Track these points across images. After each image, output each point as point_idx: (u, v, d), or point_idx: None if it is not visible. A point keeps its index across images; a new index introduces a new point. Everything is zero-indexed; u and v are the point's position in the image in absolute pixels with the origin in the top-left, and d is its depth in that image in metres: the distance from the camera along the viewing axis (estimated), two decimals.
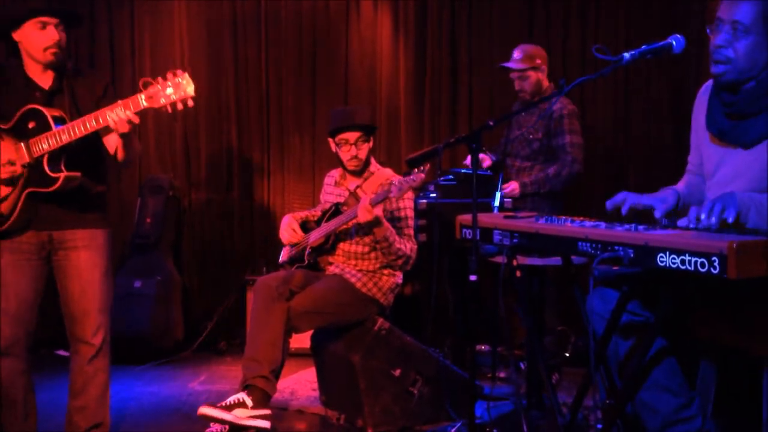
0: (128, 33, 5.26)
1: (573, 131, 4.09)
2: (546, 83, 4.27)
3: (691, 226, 2.00)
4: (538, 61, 4.23)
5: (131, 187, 5.25)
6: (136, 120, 2.67)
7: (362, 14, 5.23)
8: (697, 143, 2.46)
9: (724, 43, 2.17)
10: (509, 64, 4.30)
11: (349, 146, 3.56)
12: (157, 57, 5.26)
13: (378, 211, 3.28)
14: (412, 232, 3.55)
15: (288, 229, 3.68)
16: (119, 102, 2.67)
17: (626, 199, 2.26)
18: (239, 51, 5.27)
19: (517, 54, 4.29)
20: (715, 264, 1.71)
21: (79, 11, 2.85)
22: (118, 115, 2.65)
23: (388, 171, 3.69)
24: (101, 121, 2.67)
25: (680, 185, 2.49)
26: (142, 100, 2.65)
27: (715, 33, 2.20)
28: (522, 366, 4.09)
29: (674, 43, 2.23)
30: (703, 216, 1.98)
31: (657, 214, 2.21)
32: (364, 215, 3.26)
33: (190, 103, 2.66)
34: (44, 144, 2.72)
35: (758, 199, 2.04)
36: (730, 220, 1.95)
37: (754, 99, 2.18)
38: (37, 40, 2.76)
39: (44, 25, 2.74)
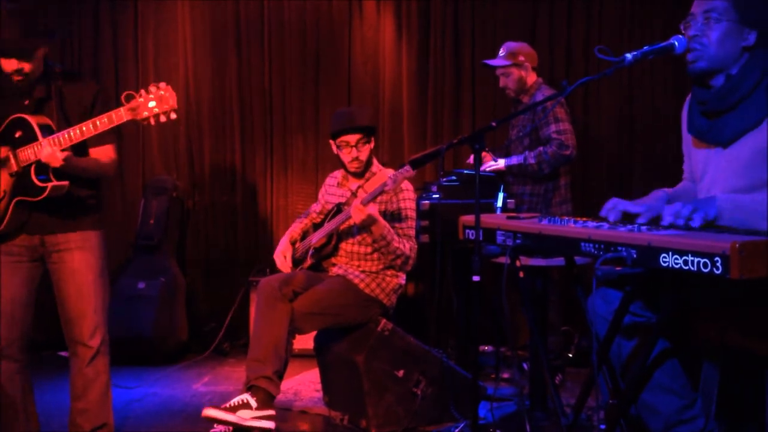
0: (132, 35, 5.27)
1: (558, 119, 4.08)
2: (531, 80, 4.26)
3: (671, 222, 2.03)
4: (521, 58, 4.23)
5: (135, 188, 5.26)
6: (62, 156, 2.66)
7: (365, 15, 5.23)
8: (686, 150, 2.48)
9: (698, 33, 2.21)
10: (491, 62, 4.31)
11: (350, 148, 3.57)
12: (160, 59, 5.27)
13: (371, 209, 3.29)
14: (412, 232, 3.55)
15: (280, 257, 3.70)
16: (103, 115, 2.67)
17: (616, 206, 2.28)
18: (242, 52, 5.28)
19: (500, 51, 4.30)
20: (718, 264, 1.71)
21: (37, 35, 2.79)
22: (48, 148, 2.65)
23: (390, 171, 3.68)
24: (85, 131, 2.68)
25: (674, 189, 2.50)
26: (124, 113, 2.66)
27: (688, 27, 2.25)
28: (525, 366, 4.09)
29: (677, 43, 2.24)
30: (678, 214, 2.01)
31: (640, 221, 2.21)
32: (356, 215, 3.28)
33: (173, 115, 2.67)
34: (31, 153, 2.74)
35: (741, 200, 2.05)
36: (694, 224, 1.97)
37: (725, 94, 2.19)
38: (2, 65, 2.76)
39: (6, 56, 2.72)
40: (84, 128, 2.68)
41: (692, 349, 2.32)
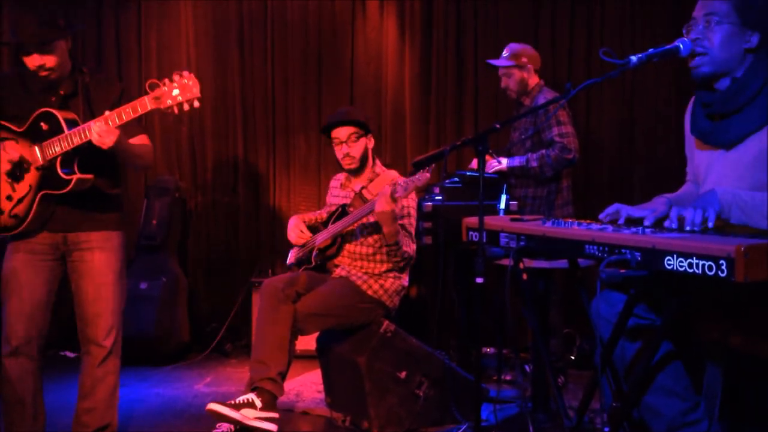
0: (135, 34, 5.28)
1: (560, 122, 4.07)
2: (533, 82, 4.26)
3: (674, 227, 2.03)
4: (524, 60, 4.24)
5: (137, 188, 5.27)
6: (115, 133, 2.66)
7: (368, 16, 5.24)
8: (689, 152, 2.48)
9: (700, 36, 2.21)
10: (494, 61, 4.32)
11: (341, 144, 3.58)
12: (163, 58, 5.28)
13: (394, 206, 3.27)
14: (413, 230, 3.54)
15: (296, 230, 3.69)
16: (127, 105, 2.67)
17: (619, 211, 2.27)
18: (245, 52, 5.29)
19: (504, 52, 4.31)
20: (723, 267, 1.71)
21: (61, 20, 2.78)
22: (99, 129, 2.65)
23: (394, 173, 3.69)
24: (111, 122, 2.68)
25: (675, 193, 2.50)
26: (149, 102, 2.66)
27: (690, 31, 2.25)
28: (527, 369, 4.09)
29: (681, 46, 2.23)
30: (686, 217, 2.00)
31: (646, 223, 2.20)
32: (382, 205, 3.23)
33: (197, 104, 2.67)
34: (56, 147, 2.75)
35: (741, 195, 2.05)
36: (710, 224, 1.97)
37: (730, 97, 2.20)
38: (27, 63, 2.77)
39: (28, 52, 2.73)
40: (110, 120, 2.67)
41: (695, 351, 2.32)
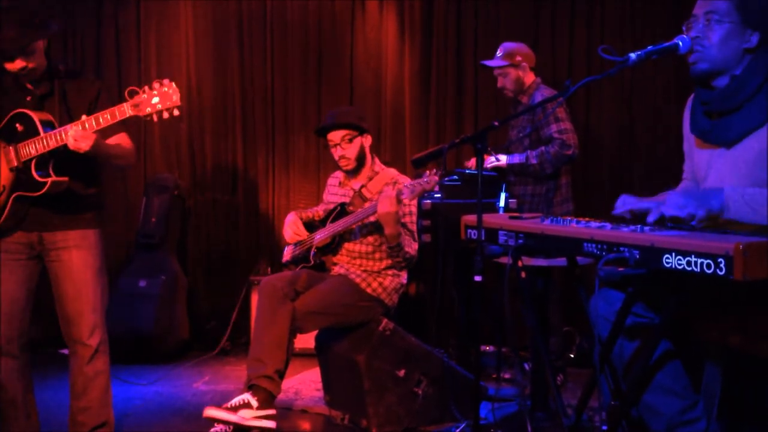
0: (134, 34, 5.28)
1: (558, 119, 4.07)
2: (529, 80, 4.26)
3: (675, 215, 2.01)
4: (518, 59, 4.24)
5: (136, 186, 5.26)
6: (92, 138, 2.65)
7: (368, 15, 5.23)
8: (688, 150, 2.47)
9: (700, 34, 2.21)
10: (488, 62, 4.31)
11: (336, 147, 3.57)
12: (162, 58, 5.27)
13: (398, 207, 3.26)
14: (414, 229, 3.54)
15: (292, 227, 3.68)
16: (106, 111, 2.66)
17: (624, 203, 2.26)
18: (245, 52, 5.28)
19: (498, 52, 4.31)
20: (722, 265, 1.70)
21: (43, 20, 2.77)
22: (75, 133, 2.63)
23: (393, 171, 3.68)
24: (87, 127, 2.66)
25: (676, 190, 2.49)
26: (128, 109, 2.65)
27: (690, 29, 2.25)
28: (526, 367, 4.09)
29: (680, 43, 2.23)
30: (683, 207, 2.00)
31: (652, 217, 2.15)
32: (386, 206, 3.22)
33: (176, 112, 2.66)
34: (32, 148, 2.73)
35: (750, 193, 2.03)
36: (698, 214, 1.95)
37: (729, 95, 2.19)
38: (9, 68, 2.75)
39: (11, 58, 2.72)
40: (86, 124, 2.67)
41: (694, 350, 2.32)
